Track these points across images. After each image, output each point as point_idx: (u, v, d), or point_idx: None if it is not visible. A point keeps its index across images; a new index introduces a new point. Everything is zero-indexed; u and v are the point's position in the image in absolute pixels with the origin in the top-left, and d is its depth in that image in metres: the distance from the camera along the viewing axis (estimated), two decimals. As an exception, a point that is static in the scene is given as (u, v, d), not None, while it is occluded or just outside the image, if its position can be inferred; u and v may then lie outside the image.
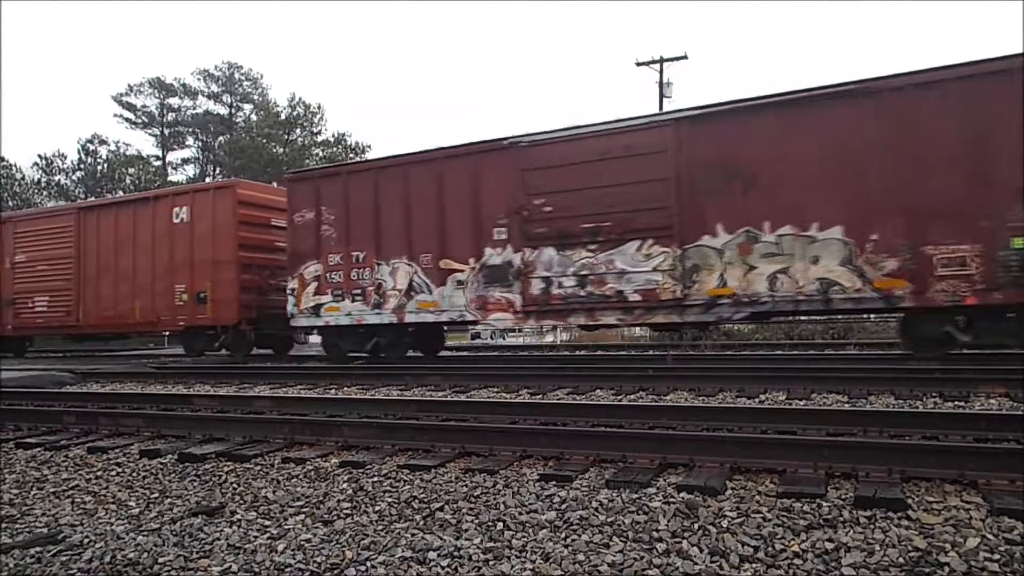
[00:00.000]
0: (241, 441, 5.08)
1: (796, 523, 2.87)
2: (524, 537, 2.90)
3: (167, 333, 17.25)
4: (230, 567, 2.73)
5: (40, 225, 16.74)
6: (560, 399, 6.96)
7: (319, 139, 45.06)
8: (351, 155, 40.93)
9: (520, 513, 3.19)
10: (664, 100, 26.73)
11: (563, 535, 2.90)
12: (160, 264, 14.56)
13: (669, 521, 2.96)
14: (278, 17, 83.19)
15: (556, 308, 10.51)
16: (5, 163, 40.71)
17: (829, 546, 2.61)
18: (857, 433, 4.33)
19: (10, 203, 37.58)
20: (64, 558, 2.90)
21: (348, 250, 12.23)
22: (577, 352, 15.42)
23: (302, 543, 2.95)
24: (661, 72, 27.05)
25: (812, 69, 79.31)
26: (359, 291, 12.13)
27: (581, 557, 2.65)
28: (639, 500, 3.26)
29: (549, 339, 21.38)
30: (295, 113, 44.40)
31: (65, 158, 41.97)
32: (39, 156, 41.65)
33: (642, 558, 2.62)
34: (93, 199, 16.64)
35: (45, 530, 3.28)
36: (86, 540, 3.10)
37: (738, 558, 2.58)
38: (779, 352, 12.69)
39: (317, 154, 43.31)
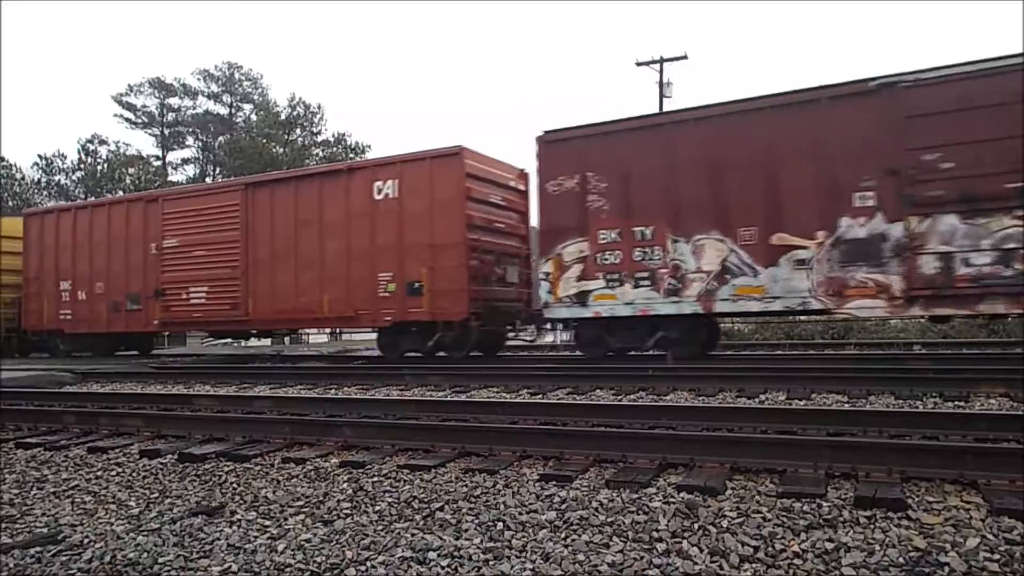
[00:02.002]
0: (241, 441, 5.08)
1: (796, 523, 2.87)
2: (524, 537, 2.90)
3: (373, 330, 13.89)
4: (230, 567, 2.73)
5: (197, 204, 14.31)
6: (560, 399, 6.96)
7: (319, 139, 45.10)
8: (351, 155, 40.91)
9: (520, 513, 3.19)
10: (664, 100, 26.76)
11: (563, 535, 2.90)
12: (356, 248, 12.35)
13: (669, 521, 2.96)
14: (278, 17, 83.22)
15: (962, 292, 8.33)
16: (5, 163, 40.75)
17: (829, 546, 2.61)
18: (857, 433, 4.33)
19: (10, 203, 37.60)
20: (64, 558, 2.90)
21: (628, 224, 10.21)
22: (576, 352, 15.42)
23: (302, 543, 2.95)
24: (661, 72, 27.07)
25: (812, 69, 79.32)
26: (645, 275, 10.10)
27: (581, 557, 2.65)
28: (639, 500, 3.26)
29: (549, 339, 21.37)
30: (295, 113, 44.43)
31: (65, 158, 42.01)
32: (39, 156, 41.67)
33: (642, 558, 2.62)
34: (269, 172, 13.43)
35: (45, 530, 3.28)
36: (86, 540, 3.10)
37: (738, 558, 2.58)
38: (779, 352, 12.70)
39: (317, 154, 43.34)
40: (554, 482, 3.66)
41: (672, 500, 3.24)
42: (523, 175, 13.27)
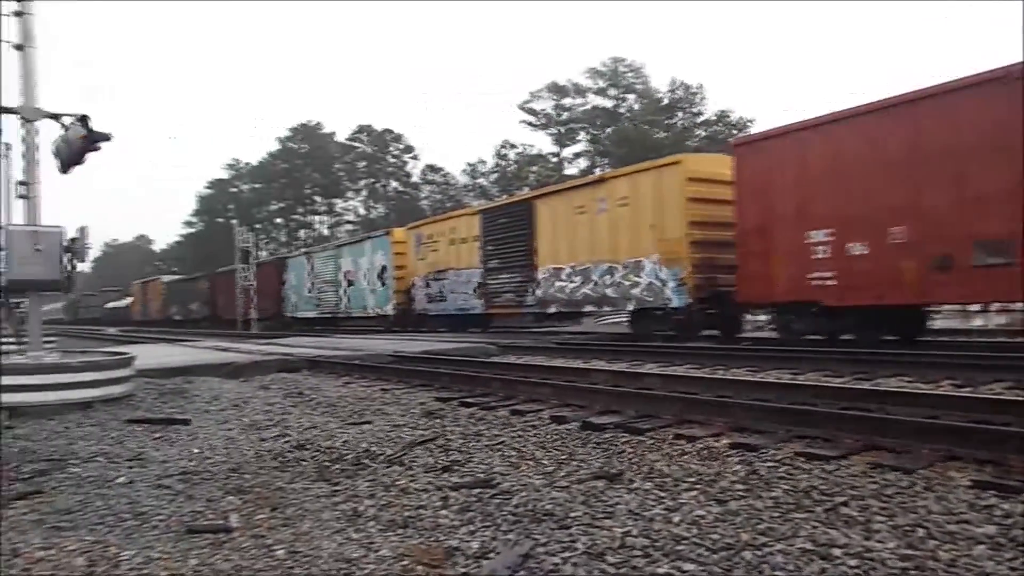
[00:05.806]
0: (634, 415, 5.38)
1: None
2: (954, 550, 2.50)
3: None
4: (630, 531, 2.92)
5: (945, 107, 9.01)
6: (998, 394, 5.78)
7: (699, 119, 44.98)
8: (733, 132, 39.84)
9: (947, 522, 2.76)
10: None
11: (1009, 555, 2.42)
12: None
13: None
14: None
15: None
16: (443, 172, 49.86)
17: None
18: None
19: (447, 205, 45.87)
20: (497, 501, 3.45)
21: None
22: (1017, 339, 12.62)
23: (696, 518, 3.01)
24: None
25: None
26: None
27: (1036, 587, 2.18)
28: (1126, 529, 2.54)
29: (978, 322, 17.92)
30: (676, 96, 45.02)
31: (484, 163, 49.60)
32: (466, 163, 50.08)
33: None
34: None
35: (483, 476, 3.93)
36: (512, 488, 3.63)
37: None
38: None
39: (699, 135, 43.31)
40: (993, 491, 3.07)
41: None
42: None
